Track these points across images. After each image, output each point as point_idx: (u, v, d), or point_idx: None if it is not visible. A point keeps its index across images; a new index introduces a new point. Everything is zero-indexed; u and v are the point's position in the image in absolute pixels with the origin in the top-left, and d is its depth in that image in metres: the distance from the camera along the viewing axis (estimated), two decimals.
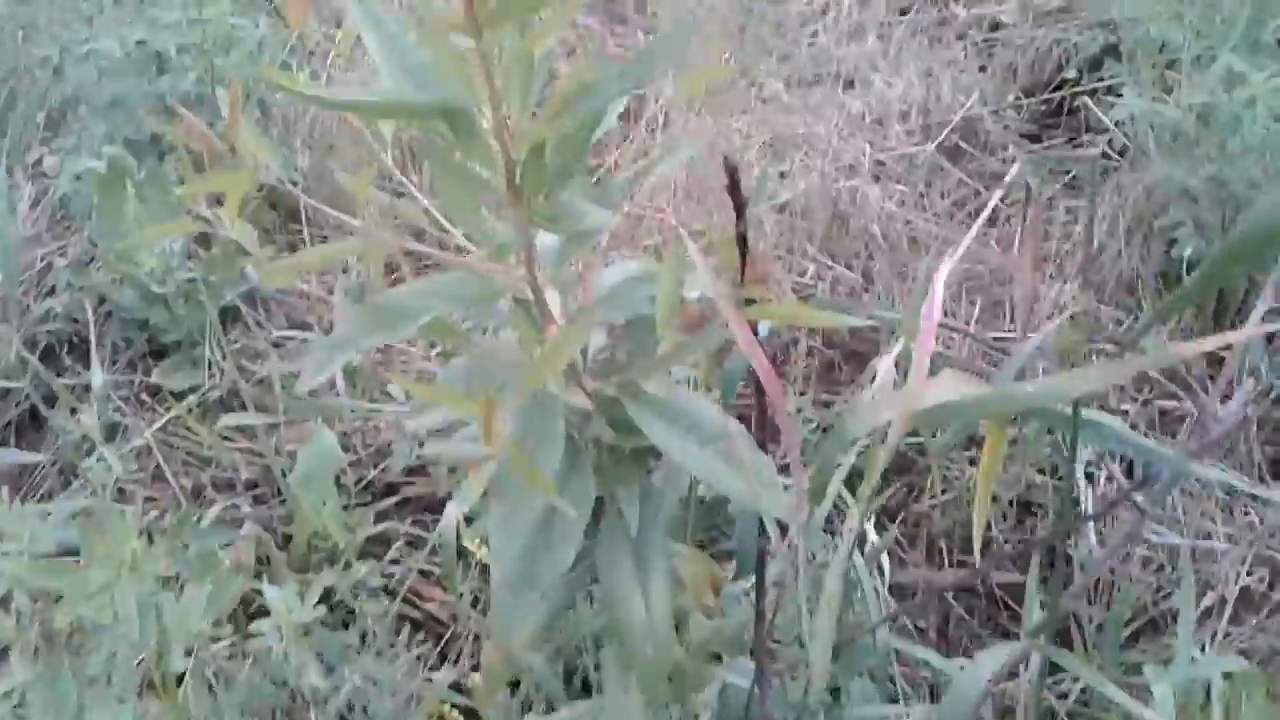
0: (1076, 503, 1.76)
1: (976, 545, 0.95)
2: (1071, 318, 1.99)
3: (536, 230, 0.76)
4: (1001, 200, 2.21)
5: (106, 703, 0.98)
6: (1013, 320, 2.03)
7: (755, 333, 0.82)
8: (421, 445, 1.84)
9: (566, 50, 2.39)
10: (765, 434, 0.88)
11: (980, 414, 0.90)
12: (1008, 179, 1.01)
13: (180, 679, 1.24)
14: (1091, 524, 1.49)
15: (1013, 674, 1.59)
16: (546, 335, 0.78)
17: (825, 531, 1.53)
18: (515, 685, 1.48)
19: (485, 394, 0.60)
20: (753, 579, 0.96)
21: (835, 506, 1.57)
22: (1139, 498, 1.02)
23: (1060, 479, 1.79)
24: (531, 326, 0.79)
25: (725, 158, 0.70)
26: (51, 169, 2.30)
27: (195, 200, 0.77)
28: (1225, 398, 1.57)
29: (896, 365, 1.32)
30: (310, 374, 0.73)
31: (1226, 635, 1.59)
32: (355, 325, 0.74)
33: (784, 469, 1.28)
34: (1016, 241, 2.08)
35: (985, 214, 0.99)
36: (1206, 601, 1.65)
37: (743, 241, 0.74)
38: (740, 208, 0.73)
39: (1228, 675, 1.19)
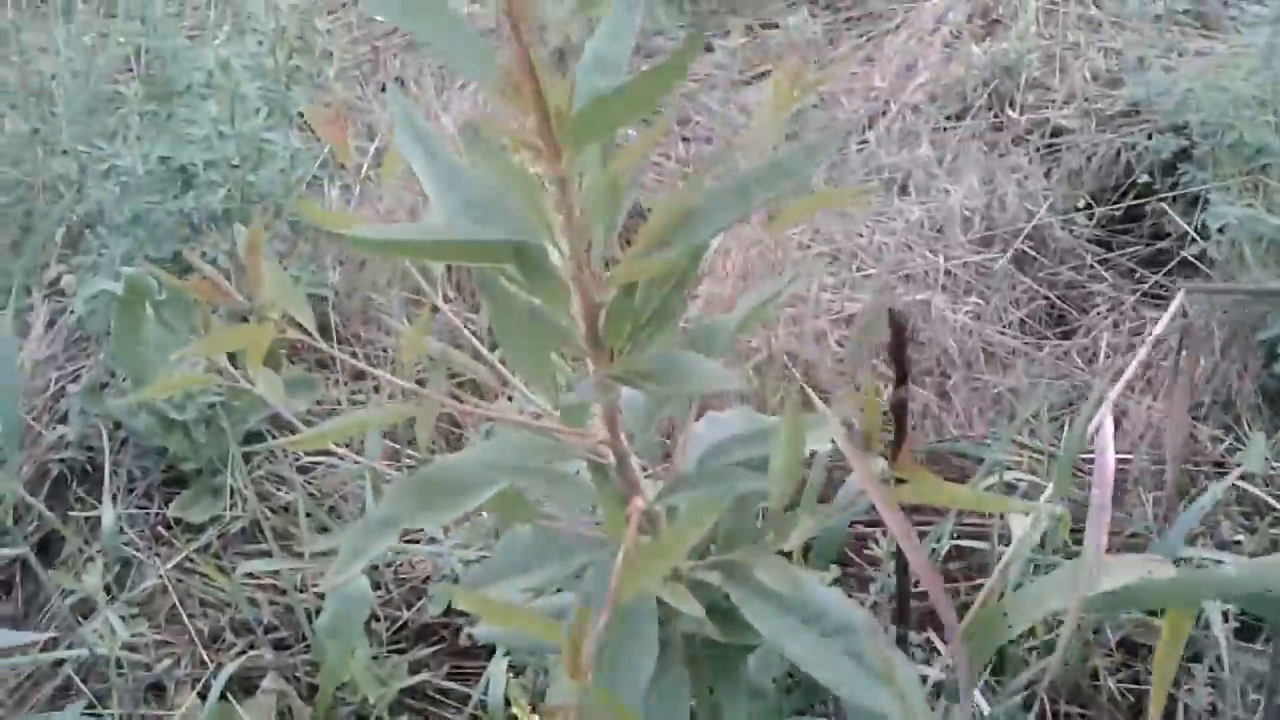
0: None
1: None
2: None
3: (621, 388, 0.61)
4: (1081, 310, 2.07)
5: None
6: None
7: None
8: (458, 583, 1.67)
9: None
10: (903, 626, 0.73)
11: (1168, 601, 0.75)
12: (1170, 312, 0.86)
13: None
14: None
15: None
16: (631, 512, 0.63)
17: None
18: None
19: (577, 620, 0.45)
20: None
21: None
22: None
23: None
24: (617, 504, 0.65)
25: (892, 312, 0.56)
26: (69, 288, 2.19)
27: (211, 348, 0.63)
28: None
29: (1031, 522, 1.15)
30: (343, 563, 0.59)
31: None
32: (403, 502, 0.61)
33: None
34: (1103, 353, 1.93)
35: (1141, 353, 0.84)
36: None
37: (901, 410, 0.60)
38: (904, 371, 0.58)
39: None
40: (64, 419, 1.96)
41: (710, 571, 0.67)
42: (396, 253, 0.58)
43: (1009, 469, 1.63)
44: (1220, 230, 1.87)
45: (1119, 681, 1.56)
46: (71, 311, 2.15)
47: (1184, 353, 0.88)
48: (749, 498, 0.72)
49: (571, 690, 0.47)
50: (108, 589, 1.65)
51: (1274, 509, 1.74)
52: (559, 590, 0.75)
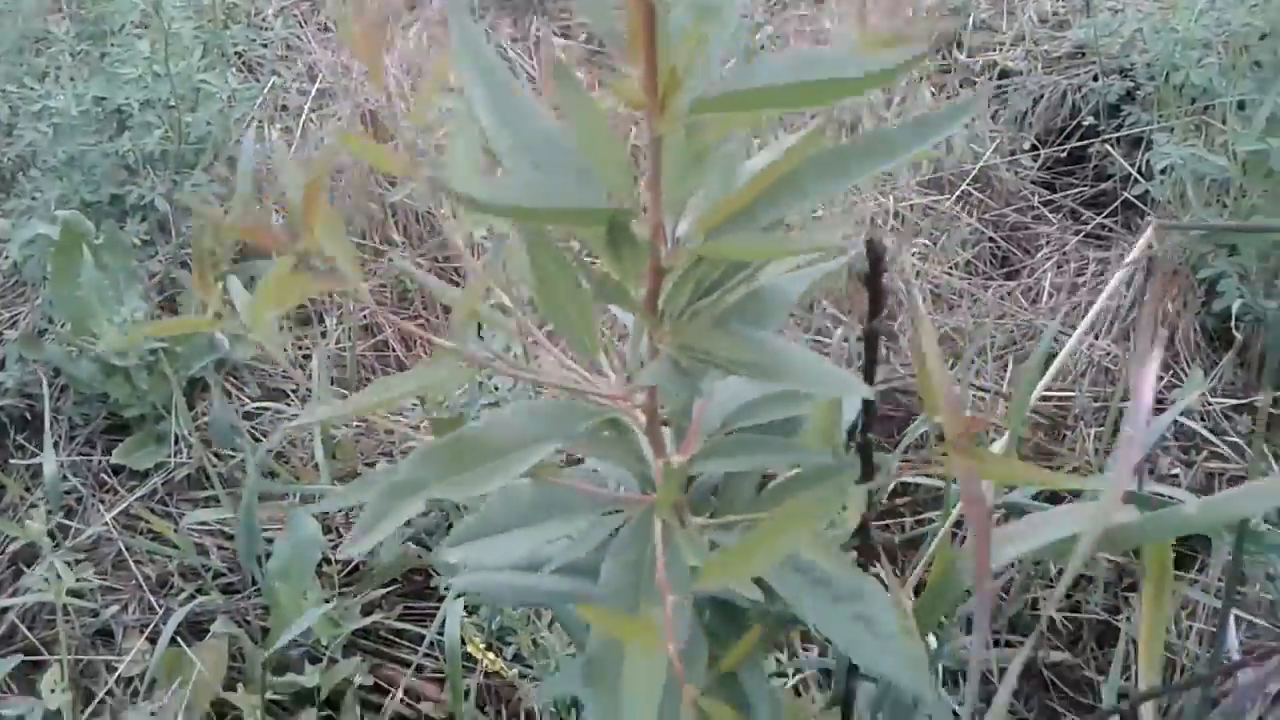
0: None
1: (1145, 673, 0.80)
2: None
3: (680, 365, 0.59)
4: (1025, 250, 2.10)
5: None
6: (1056, 380, 1.90)
7: None
8: (410, 526, 1.67)
9: None
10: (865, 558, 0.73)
11: (1146, 537, 0.76)
12: (1140, 242, 0.87)
13: None
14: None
15: None
16: (658, 475, 0.61)
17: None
18: None
19: (647, 616, 0.43)
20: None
21: None
22: None
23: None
24: (644, 467, 0.63)
25: (870, 242, 0.55)
26: (2, 233, 2.12)
27: (207, 290, 0.60)
28: None
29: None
30: (365, 527, 0.55)
31: None
32: (431, 465, 0.56)
33: None
34: (1046, 293, 1.95)
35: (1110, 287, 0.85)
36: None
37: (873, 340, 0.59)
38: (879, 303, 0.57)
39: None
40: (1, 366, 1.91)
41: (727, 532, 0.66)
42: (510, 215, 0.51)
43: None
44: (1163, 171, 1.89)
45: (1059, 611, 1.60)
46: (6, 256, 2.09)
47: (1151, 278, 0.89)
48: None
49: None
50: (51, 536, 1.62)
51: (1211, 443, 1.79)
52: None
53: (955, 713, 1.13)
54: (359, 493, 0.64)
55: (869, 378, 0.60)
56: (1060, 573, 1.66)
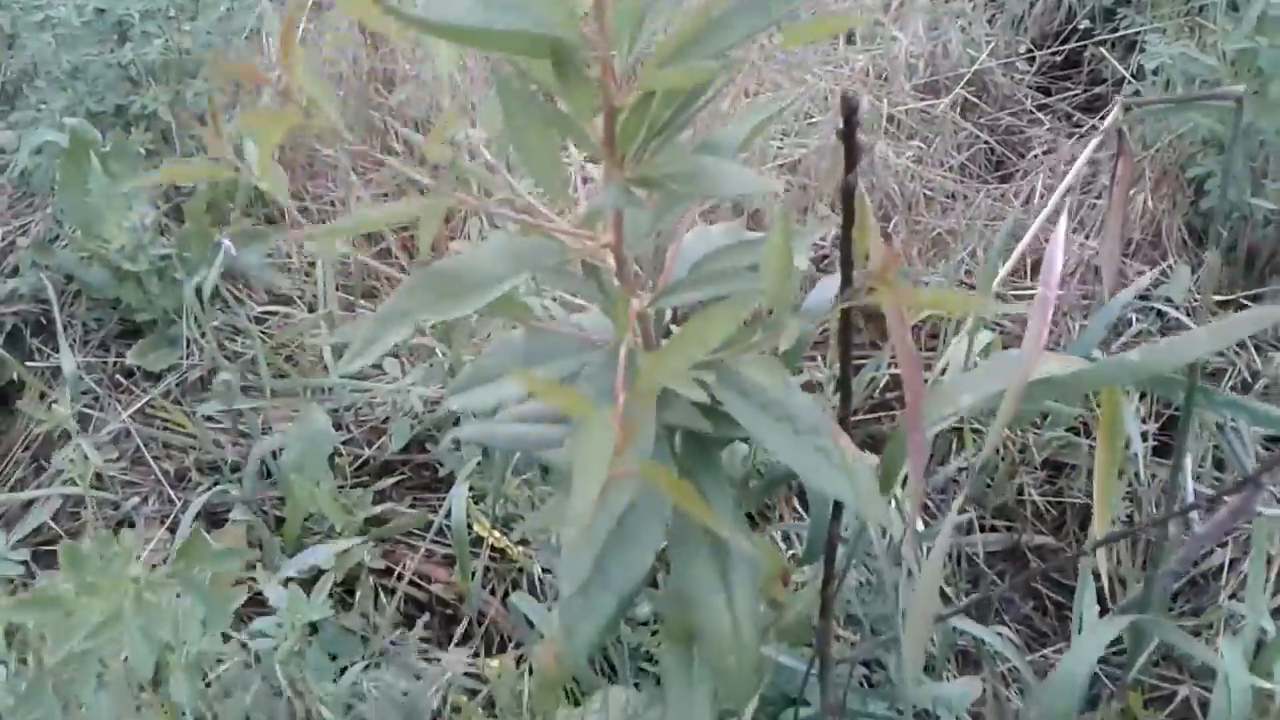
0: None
1: (1100, 522, 0.85)
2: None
3: (639, 194, 0.63)
4: (1019, 154, 2.13)
5: None
6: (1033, 277, 1.94)
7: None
8: (419, 420, 1.72)
9: None
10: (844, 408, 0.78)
11: (1089, 385, 0.81)
12: (1104, 126, 0.91)
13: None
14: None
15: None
16: (631, 314, 0.66)
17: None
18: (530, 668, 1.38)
19: (615, 405, 0.48)
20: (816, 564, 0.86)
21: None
22: (1258, 475, 0.92)
23: (1093, 440, 1.70)
24: (623, 305, 0.68)
25: (845, 95, 0.59)
26: (9, 144, 2.15)
27: (217, 138, 0.64)
28: None
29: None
30: (356, 351, 0.60)
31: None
32: (417, 296, 0.61)
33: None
34: (1038, 194, 1.99)
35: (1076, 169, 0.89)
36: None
37: (849, 194, 0.63)
38: (854, 158, 0.61)
39: None
40: (15, 273, 1.95)
41: (700, 370, 0.71)
42: (451, 35, 0.55)
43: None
44: (1155, 72, 1.92)
45: (1043, 496, 1.66)
46: (15, 166, 2.12)
47: (1119, 159, 0.93)
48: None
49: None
50: (70, 435, 1.68)
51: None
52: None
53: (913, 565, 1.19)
54: (356, 328, 0.69)
55: (847, 230, 0.64)
56: (1045, 461, 1.73)
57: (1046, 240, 0.86)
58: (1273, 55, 1.64)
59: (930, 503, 1.69)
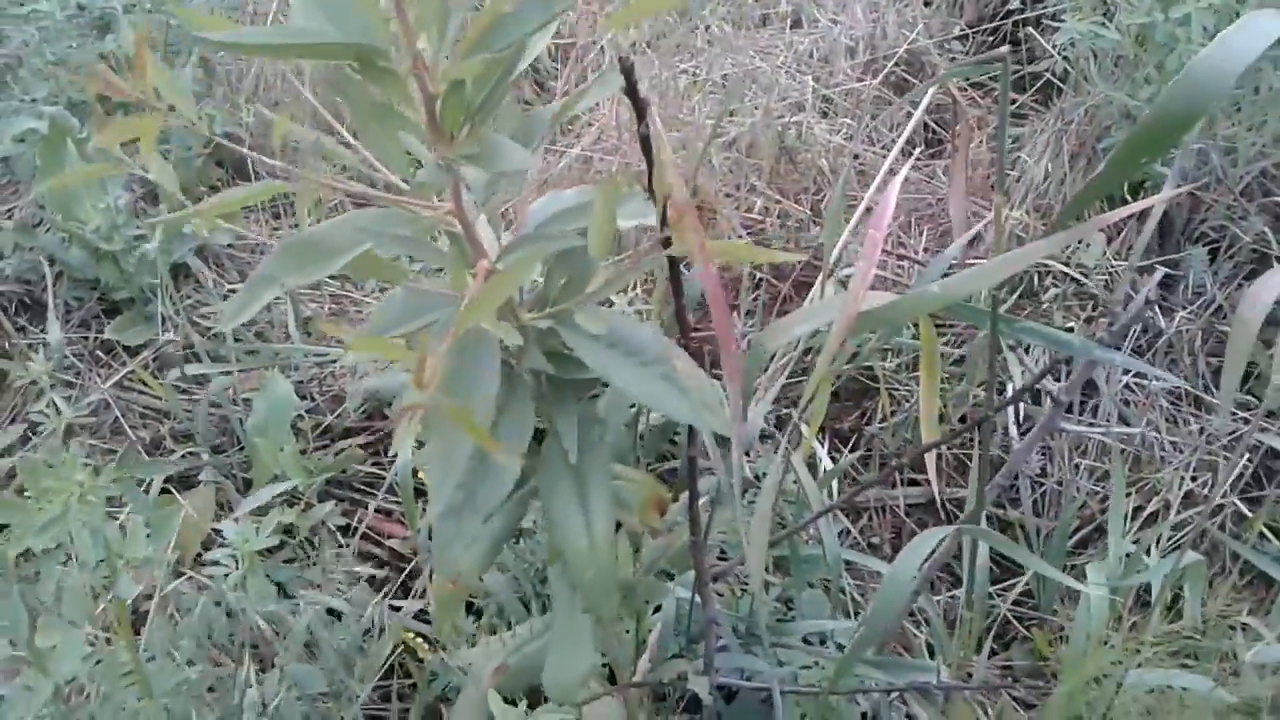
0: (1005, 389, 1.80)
1: (926, 433, 0.97)
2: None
3: (459, 166, 0.75)
4: (949, 130, 2.23)
5: (58, 626, 0.99)
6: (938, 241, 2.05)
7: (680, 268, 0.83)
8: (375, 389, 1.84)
9: None
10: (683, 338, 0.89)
11: (899, 317, 0.92)
12: (929, 93, 1.03)
13: (141, 616, 1.25)
14: (1012, 410, 1.52)
15: (956, 581, 1.63)
16: (477, 271, 0.78)
17: (774, 452, 1.55)
18: (479, 612, 1.50)
19: (420, 342, 0.60)
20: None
21: (781, 427, 1.60)
22: (1055, 389, 1.04)
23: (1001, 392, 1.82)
24: (461, 262, 0.79)
25: (619, 58, 0.70)
26: None
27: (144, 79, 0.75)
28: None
29: (843, 285, 1.34)
30: (232, 311, 0.72)
31: (1170, 537, 1.63)
32: (280, 262, 0.72)
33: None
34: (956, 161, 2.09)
35: (910, 128, 1.01)
36: (1153, 506, 1.69)
37: (646, 144, 0.74)
38: (640, 109, 0.72)
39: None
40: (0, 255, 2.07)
41: (547, 319, 0.83)
42: (252, 51, 0.68)
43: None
44: (1069, 47, 2.02)
45: (951, 450, 1.78)
46: None
47: (958, 123, 1.05)
48: (581, 261, 0.87)
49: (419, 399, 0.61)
50: (55, 406, 1.80)
51: (1105, 301, 1.95)
52: None
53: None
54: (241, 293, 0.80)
55: (651, 179, 0.73)
56: (963, 418, 1.84)
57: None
58: (1167, 29, 1.75)
59: (839, 445, 1.81)
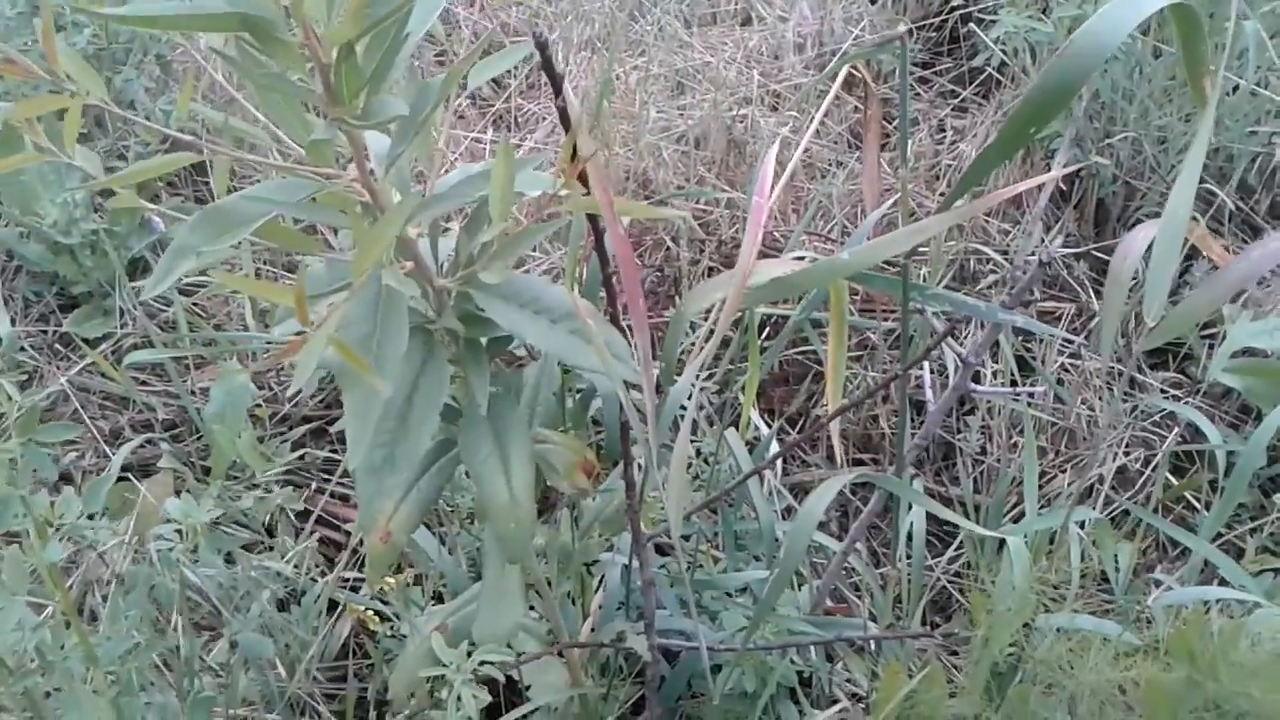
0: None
1: (832, 397, 1.02)
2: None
3: (356, 131, 0.77)
4: (894, 123, 2.29)
5: None
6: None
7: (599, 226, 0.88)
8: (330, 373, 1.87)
9: None
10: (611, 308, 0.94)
11: (809, 283, 0.97)
12: (842, 71, 1.09)
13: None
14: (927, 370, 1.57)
15: (886, 547, 1.68)
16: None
17: (710, 425, 1.60)
18: (439, 597, 1.54)
19: (298, 283, 0.63)
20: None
21: (720, 404, 1.64)
22: (968, 356, 1.10)
23: (943, 372, 1.88)
24: (367, 223, 0.83)
25: (534, 35, 0.74)
26: None
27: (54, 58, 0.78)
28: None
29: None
30: (155, 281, 0.75)
31: (1105, 510, 1.69)
32: (193, 233, 0.75)
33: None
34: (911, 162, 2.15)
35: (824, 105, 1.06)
36: (1088, 480, 1.75)
37: (564, 115, 0.79)
38: (557, 84, 0.77)
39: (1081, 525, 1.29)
40: None
41: (458, 283, 0.87)
42: (139, 24, 0.69)
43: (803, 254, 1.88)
44: (1002, 40, 2.08)
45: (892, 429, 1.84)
46: None
47: (869, 101, 1.10)
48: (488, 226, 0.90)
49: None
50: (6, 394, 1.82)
51: (1048, 288, 2.02)
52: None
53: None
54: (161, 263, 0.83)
55: (574, 149, 0.78)
56: (921, 403, 1.90)
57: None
58: None
59: (788, 427, 1.86)
